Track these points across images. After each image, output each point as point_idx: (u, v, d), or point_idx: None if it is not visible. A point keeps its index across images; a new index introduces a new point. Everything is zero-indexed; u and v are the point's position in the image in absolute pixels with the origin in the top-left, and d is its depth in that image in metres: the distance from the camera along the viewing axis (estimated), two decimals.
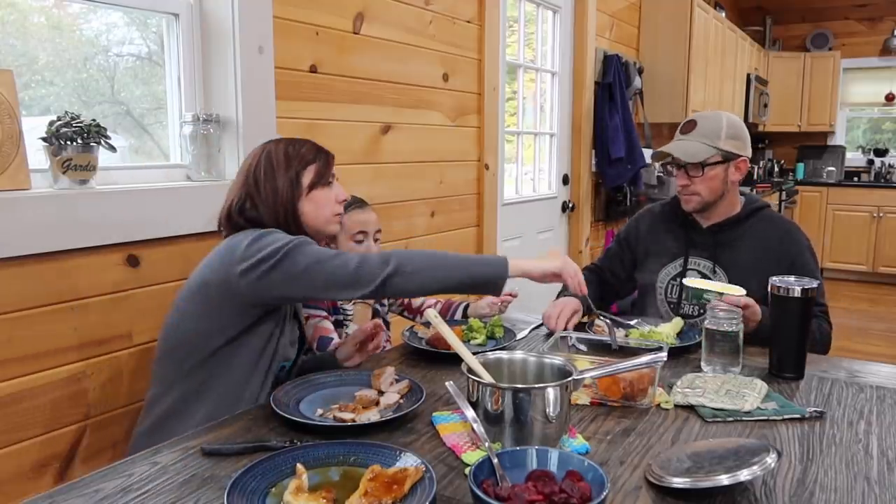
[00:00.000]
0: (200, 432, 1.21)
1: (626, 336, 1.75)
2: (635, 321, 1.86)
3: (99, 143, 1.60)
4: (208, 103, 1.96)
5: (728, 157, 1.90)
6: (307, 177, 1.50)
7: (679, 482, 0.98)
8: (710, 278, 1.93)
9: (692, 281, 1.79)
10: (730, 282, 1.90)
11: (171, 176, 1.89)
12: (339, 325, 1.82)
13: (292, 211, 1.48)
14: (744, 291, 1.65)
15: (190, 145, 1.87)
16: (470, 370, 1.16)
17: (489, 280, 1.37)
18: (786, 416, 1.28)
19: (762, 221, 1.96)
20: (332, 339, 1.74)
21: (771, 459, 0.98)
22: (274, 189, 1.47)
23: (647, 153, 4.34)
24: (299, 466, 1.01)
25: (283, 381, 1.48)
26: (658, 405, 1.34)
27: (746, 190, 2.18)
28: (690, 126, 1.93)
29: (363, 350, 1.56)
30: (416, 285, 1.35)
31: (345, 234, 1.80)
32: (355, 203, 1.86)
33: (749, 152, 1.96)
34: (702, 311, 1.92)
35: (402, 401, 1.32)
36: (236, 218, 1.47)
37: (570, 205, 4.08)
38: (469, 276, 1.36)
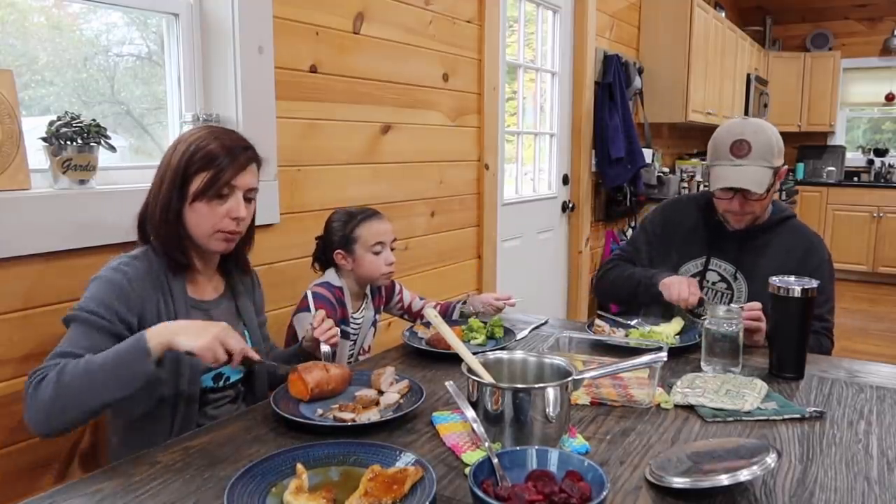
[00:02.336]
0: (200, 432, 1.21)
1: (627, 336, 1.75)
2: (635, 321, 1.86)
3: (99, 143, 1.60)
4: (208, 103, 1.96)
5: (776, 172, 1.85)
6: (195, 184, 1.34)
7: (679, 482, 0.98)
8: (729, 282, 1.92)
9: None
10: (749, 287, 1.89)
11: None
12: (345, 335, 1.79)
13: (175, 217, 1.35)
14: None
15: None
16: (470, 370, 1.16)
17: (133, 370, 1.16)
18: (786, 416, 1.28)
19: (789, 232, 1.93)
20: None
21: (771, 459, 0.98)
22: (158, 192, 1.36)
23: (647, 153, 4.34)
24: (299, 466, 1.01)
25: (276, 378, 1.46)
26: (658, 405, 1.34)
27: (779, 201, 2.10)
28: (745, 148, 1.81)
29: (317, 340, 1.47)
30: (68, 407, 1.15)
31: (361, 246, 1.79)
32: (370, 213, 1.85)
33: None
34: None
35: (402, 401, 1.31)
36: (137, 230, 1.40)
37: (570, 205, 4.08)
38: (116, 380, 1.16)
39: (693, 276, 1.97)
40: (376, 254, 1.80)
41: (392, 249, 1.85)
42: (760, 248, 1.91)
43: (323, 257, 1.88)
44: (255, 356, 1.27)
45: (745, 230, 1.93)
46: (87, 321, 1.25)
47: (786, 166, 1.90)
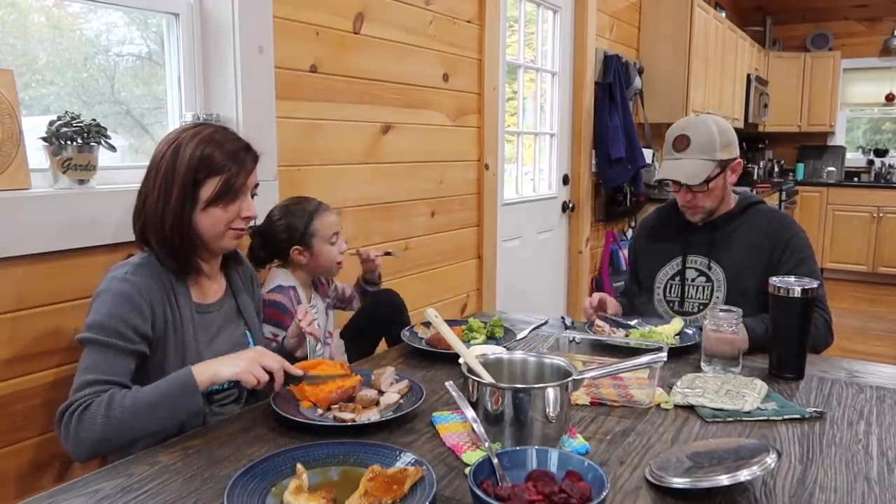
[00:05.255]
0: (200, 432, 1.21)
1: (627, 336, 1.75)
2: (635, 321, 1.86)
3: (99, 142, 1.60)
4: (208, 103, 1.96)
5: (725, 165, 1.91)
6: (207, 189, 1.34)
7: (679, 482, 0.98)
8: (706, 274, 1.94)
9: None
10: (726, 275, 1.91)
11: None
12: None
13: (188, 222, 1.35)
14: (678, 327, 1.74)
15: None
16: (470, 370, 1.16)
17: (188, 406, 1.22)
18: (786, 417, 1.28)
19: (756, 215, 1.97)
20: None
21: (771, 459, 0.98)
22: (166, 200, 1.33)
23: (648, 153, 4.34)
24: (299, 466, 1.01)
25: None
26: (658, 405, 1.34)
27: (746, 190, 2.14)
28: (683, 142, 1.90)
29: (301, 335, 1.50)
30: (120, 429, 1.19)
31: (320, 239, 1.81)
32: (316, 204, 1.85)
33: (738, 152, 1.96)
34: (702, 307, 1.94)
35: (402, 401, 1.31)
36: (136, 235, 1.39)
37: (571, 205, 4.08)
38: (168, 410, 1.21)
39: (672, 276, 2.01)
40: (332, 244, 1.83)
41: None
42: (729, 236, 1.96)
43: (264, 253, 1.86)
44: (297, 372, 1.28)
45: (712, 221, 1.97)
46: (107, 345, 1.25)
47: (739, 160, 1.95)
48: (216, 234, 1.39)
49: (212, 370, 1.24)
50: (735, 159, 1.93)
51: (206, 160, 1.33)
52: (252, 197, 1.43)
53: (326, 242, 1.82)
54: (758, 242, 1.91)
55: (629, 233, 4.62)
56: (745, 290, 1.87)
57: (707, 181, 1.88)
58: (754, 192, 5.45)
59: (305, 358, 1.46)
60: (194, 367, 1.24)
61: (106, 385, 1.22)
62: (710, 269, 1.95)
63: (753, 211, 1.98)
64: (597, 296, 1.92)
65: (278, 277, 1.82)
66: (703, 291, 1.95)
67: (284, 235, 1.81)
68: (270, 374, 1.25)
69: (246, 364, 1.23)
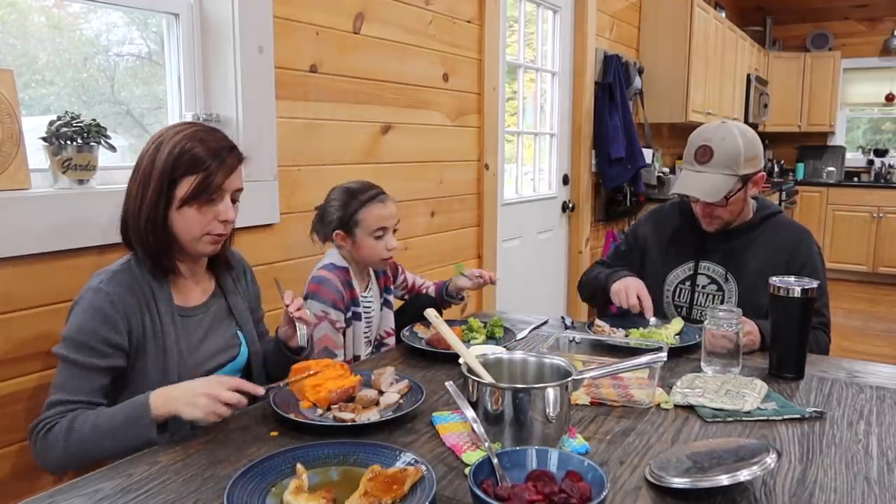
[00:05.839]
0: (200, 432, 1.21)
1: (627, 336, 1.75)
2: (653, 321, 1.84)
3: (99, 142, 1.60)
4: (208, 103, 1.96)
5: (747, 179, 1.84)
6: (183, 188, 1.30)
7: (679, 482, 0.98)
8: (720, 284, 1.93)
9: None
10: (739, 288, 1.89)
11: None
12: (357, 317, 1.77)
13: (162, 222, 1.31)
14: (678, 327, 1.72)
15: None
16: (470, 370, 1.16)
17: (139, 434, 1.19)
18: (786, 417, 1.28)
19: (774, 228, 1.92)
20: (335, 353, 1.68)
21: (771, 459, 0.98)
22: (142, 197, 1.30)
23: (647, 153, 4.34)
24: (299, 466, 1.01)
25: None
26: (658, 405, 1.34)
27: (765, 198, 2.08)
28: (706, 155, 1.82)
29: (292, 322, 1.45)
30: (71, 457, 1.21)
31: (363, 230, 1.75)
32: (373, 194, 1.77)
33: (762, 163, 1.88)
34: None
35: (402, 401, 1.31)
36: (122, 236, 1.37)
37: (570, 205, 4.08)
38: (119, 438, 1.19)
39: (682, 280, 1.98)
40: (378, 238, 1.76)
41: (394, 232, 1.80)
42: (746, 247, 1.92)
43: (321, 229, 1.83)
44: (258, 390, 1.24)
45: (730, 231, 1.93)
46: (75, 363, 1.24)
47: (762, 173, 1.87)
48: (191, 238, 1.34)
49: (171, 406, 1.19)
50: (758, 172, 1.86)
51: (184, 156, 1.29)
52: (234, 203, 1.38)
53: (369, 235, 1.74)
54: (774, 258, 1.86)
55: None
56: (758, 306, 1.77)
57: (726, 197, 1.82)
58: None
59: (300, 350, 1.46)
60: (154, 395, 1.20)
61: (72, 405, 1.23)
62: (726, 280, 1.92)
63: (772, 223, 1.93)
64: (633, 289, 1.85)
65: (331, 256, 1.79)
66: (714, 300, 1.93)
67: (334, 216, 1.77)
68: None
69: (206, 404, 1.17)
